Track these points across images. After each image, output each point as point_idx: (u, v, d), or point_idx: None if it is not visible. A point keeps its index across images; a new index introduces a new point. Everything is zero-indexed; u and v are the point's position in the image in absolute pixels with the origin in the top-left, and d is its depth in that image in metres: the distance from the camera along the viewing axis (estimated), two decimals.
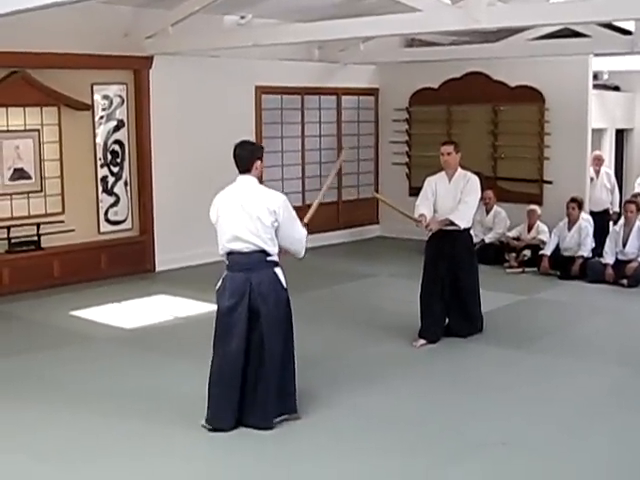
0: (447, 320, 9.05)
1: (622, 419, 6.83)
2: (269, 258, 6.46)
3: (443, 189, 8.94)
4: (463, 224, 8.82)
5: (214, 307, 10.07)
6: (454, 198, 8.86)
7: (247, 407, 6.49)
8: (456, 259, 8.88)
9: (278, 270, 6.53)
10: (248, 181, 6.56)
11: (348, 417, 6.85)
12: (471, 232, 9.19)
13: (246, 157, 6.57)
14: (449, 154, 8.95)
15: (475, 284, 9.17)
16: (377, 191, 15.99)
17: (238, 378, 6.44)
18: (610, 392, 7.51)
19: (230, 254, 6.51)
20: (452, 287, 8.94)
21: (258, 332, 6.45)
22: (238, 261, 6.46)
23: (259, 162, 6.58)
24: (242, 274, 6.43)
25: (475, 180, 8.98)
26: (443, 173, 9.04)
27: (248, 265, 6.43)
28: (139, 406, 7.04)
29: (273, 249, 6.47)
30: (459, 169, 9.02)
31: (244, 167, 6.55)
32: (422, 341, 8.77)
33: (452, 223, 8.77)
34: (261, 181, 6.72)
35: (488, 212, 13.51)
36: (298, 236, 6.62)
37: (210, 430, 6.42)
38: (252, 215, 6.38)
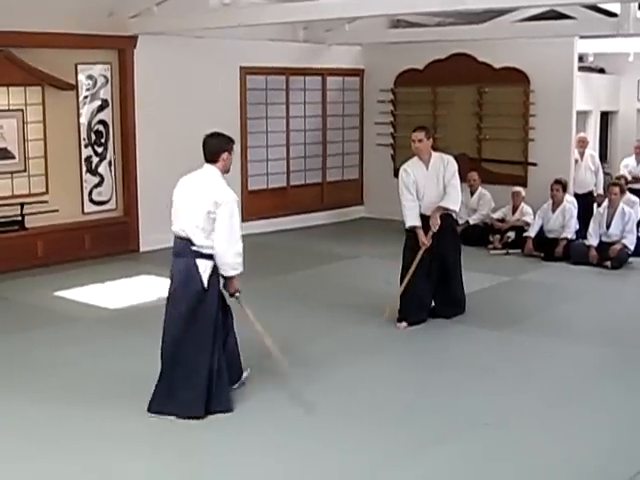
0: (433, 303, 9.08)
1: (606, 398, 6.90)
2: (194, 248, 6.38)
3: (422, 177, 8.80)
4: (458, 207, 8.88)
5: None
6: (437, 184, 8.78)
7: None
8: (443, 242, 8.83)
9: (200, 261, 6.38)
10: (210, 171, 6.53)
11: (329, 397, 6.88)
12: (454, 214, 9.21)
13: (214, 148, 6.55)
14: (420, 141, 8.75)
15: (459, 266, 9.18)
16: (362, 174, 16.06)
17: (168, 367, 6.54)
18: (593, 372, 7.56)
19: (174, 236, 6.57)
20: (439, 270, 8.93)
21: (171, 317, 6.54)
22: (175, 244, 6.54)
23: (226, 154, 6.54)
24: (173, 258, 6.55)
25: (453, 161, 8.94)
26: (416, 159, 8.89)
27: (177, 249, 6.51)
28: (122, 387, 7.05)
29: (199, 241, 6.36)
30: (433, 153, 8.90)
31: (210, 157, 6.55)
32: (404, 323, 8.78)
33: (446, 209, 8.76)
34: (227, 172, 6.63)
35: (473, 194, 13.52)
36: (226, 239, 6.36)
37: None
38: (197, 201, 6.38)
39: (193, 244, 6.38)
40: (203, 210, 6.33)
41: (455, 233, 9.23)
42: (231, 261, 6.41)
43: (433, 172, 8.81)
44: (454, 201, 8.78)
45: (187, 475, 5.58)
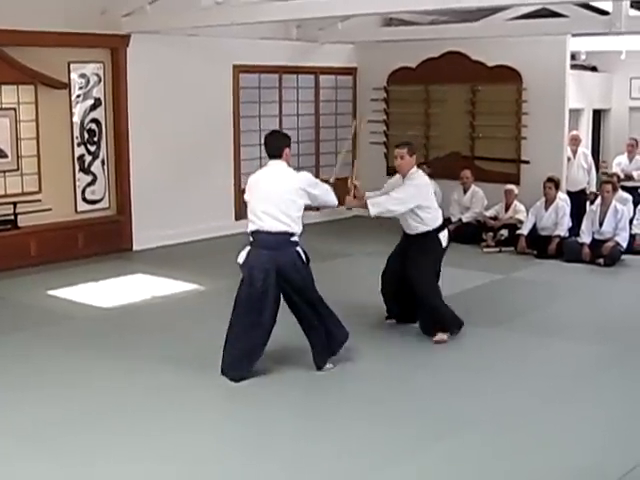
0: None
1: (599, 395, 6.93)
2: (292, 239, 7.14)
3: (398, 184, 8.40)
4: (372, 211, 8.16)
5: (192, 286, 10.14)
6: None
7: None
8: (409, 261, 8.35)
9: (299, 249, 7.21)
10: (279, 165, 7.24)
11: (324, 396, 6.93)
12: (440, 235, 8.39)
13: (277, 144, 7.31)
14: (402, 158, 8.31)
15: (426, 289, 8.28)
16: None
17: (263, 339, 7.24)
18: (587, 369, 7.58)
19: (257, 232, 7.10)
20: (407, 285, 8.41)
21: (292, 303, 7.32)
22: (265, 239, 7.09)
23: (288, 149, 7.29)
24: (267, 252, 7.04)
25: (415, 180, 8.29)
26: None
27: (274, 244, 7.08)
28: (118, 383, 7.07)
29: (297, 229, 7.17)
30: (412, 170, 8.35)
31: (275, 152, 7.26)
32: (394, 320, 8.80)
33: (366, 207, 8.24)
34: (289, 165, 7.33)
35: (466, 191, 13.56)
36: (326, 191, 7.41)
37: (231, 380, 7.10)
38: (284, 195, 7.07)
39: (291, 235, 7.14)
40: (301, 201, 7.16)
41: (426, 254, 8.34)
42: (334, 198, 7.50)
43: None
44: (373, 202, 8.16)
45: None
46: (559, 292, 10.40)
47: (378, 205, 8.18)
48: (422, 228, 8.33)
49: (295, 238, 7.17)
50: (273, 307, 7.20)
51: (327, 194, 7.41)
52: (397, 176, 8.60)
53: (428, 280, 8.30)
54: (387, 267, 8.75)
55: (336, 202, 7.55)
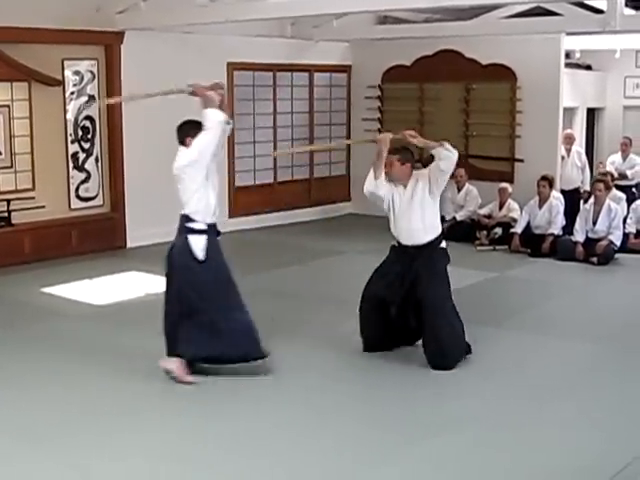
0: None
1: (594, 394, 6.93)
2: (188, 224, 6.94)
3: (398, 197, 7.64)
4: (448, 163, 7.77)
5: None
6: (410, 204, 7.56)
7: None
8: (422, 283, 7.45)
9: (192, 237, 6.92)
10: (181, 151, 7.11)
11: (313, 393, 6.91)
12: (443, 244, 7.68)
13: (181, 133, 7.25)
14: (391, 165, 7.57)
15: (442, 311, 7.46)
16: (349, 170, 16.03)
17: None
18: (581, 368, 7.58)
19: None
20: (416, 310, 7.61)
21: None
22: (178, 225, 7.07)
23: (190, 139, 7.08)
24: (175, 237, 7.10)
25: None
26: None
27: (177, 229, 7.06)
28: (110, 382, 7.06)
29: (194, 211, 6.92)
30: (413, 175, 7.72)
31: (180, 139, 7.20)
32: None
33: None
34: None
35: (460, 190, 13.56)
36: (209, 130, 7.10)
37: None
38: (176, 176, 7.01)
39: (187, 219, 6.92)
40: (188, 171, 6.94)
41: (440, 275, 7.54)
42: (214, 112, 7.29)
43: (409, 192, 7.62)
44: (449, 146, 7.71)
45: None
46: (553, 291, 10.41)
47: (450, 151, 7.91)
48: (430, 234, 7.55)
49: (191, 224, 6.90)
50: (172, 298, 7.21)
51: (211, 127, 7.12)
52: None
53: (448, 304, 7.54)
54: (371, 292, 7.83)
55: (215, 108, 7.38)
